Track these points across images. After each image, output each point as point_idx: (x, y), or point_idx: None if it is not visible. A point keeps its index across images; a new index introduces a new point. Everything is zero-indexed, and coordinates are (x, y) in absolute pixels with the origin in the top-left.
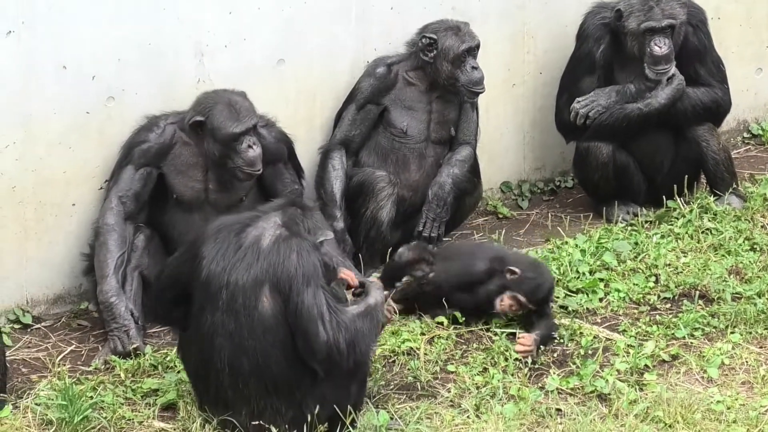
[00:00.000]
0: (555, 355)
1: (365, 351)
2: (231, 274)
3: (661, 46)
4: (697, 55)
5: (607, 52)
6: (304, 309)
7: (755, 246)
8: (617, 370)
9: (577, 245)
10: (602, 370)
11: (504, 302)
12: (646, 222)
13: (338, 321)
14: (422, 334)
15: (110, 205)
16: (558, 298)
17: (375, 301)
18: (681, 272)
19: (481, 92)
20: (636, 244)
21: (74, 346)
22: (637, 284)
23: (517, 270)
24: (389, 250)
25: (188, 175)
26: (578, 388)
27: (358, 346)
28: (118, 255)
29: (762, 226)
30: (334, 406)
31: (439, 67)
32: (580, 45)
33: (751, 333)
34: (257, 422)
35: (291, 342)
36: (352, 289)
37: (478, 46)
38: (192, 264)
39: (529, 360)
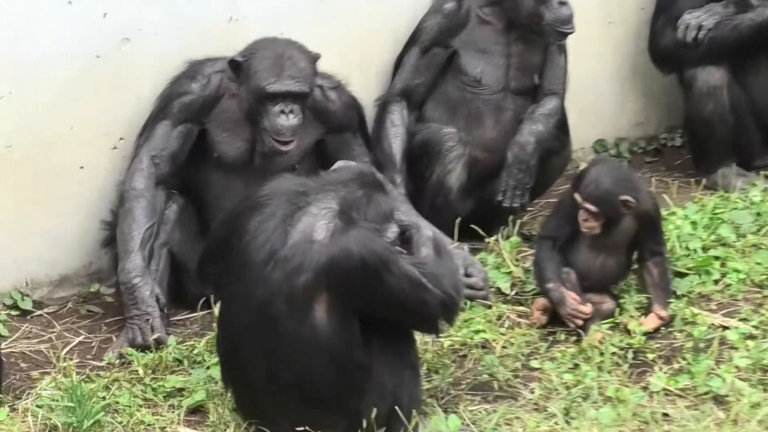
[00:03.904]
0: (661, 348)
1: (461, 284)
2: (272, 273)
3: None
4: None
5: None
6: (400, 293)
7: None
8: (736, 367)
9: (686, 216)
10: (718, 367)
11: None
12: None
13: (432, 274)
14: (498, 320)
15: (140, 165)
16: None
17: (429, 232)
18: None
19: (571, 32)
20: (758, 214)
21: (83, 336)
22: (760, 263)
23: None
24: (458, 221)
25: (235, 133)
26: (689, 389)
27: (456, 281)
28: (146, 227)
29: None
30: (392, 402)
31: (520, 3)
32: None
33: None
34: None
35: (343, 350)
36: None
37: None
38: (232, 238)
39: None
